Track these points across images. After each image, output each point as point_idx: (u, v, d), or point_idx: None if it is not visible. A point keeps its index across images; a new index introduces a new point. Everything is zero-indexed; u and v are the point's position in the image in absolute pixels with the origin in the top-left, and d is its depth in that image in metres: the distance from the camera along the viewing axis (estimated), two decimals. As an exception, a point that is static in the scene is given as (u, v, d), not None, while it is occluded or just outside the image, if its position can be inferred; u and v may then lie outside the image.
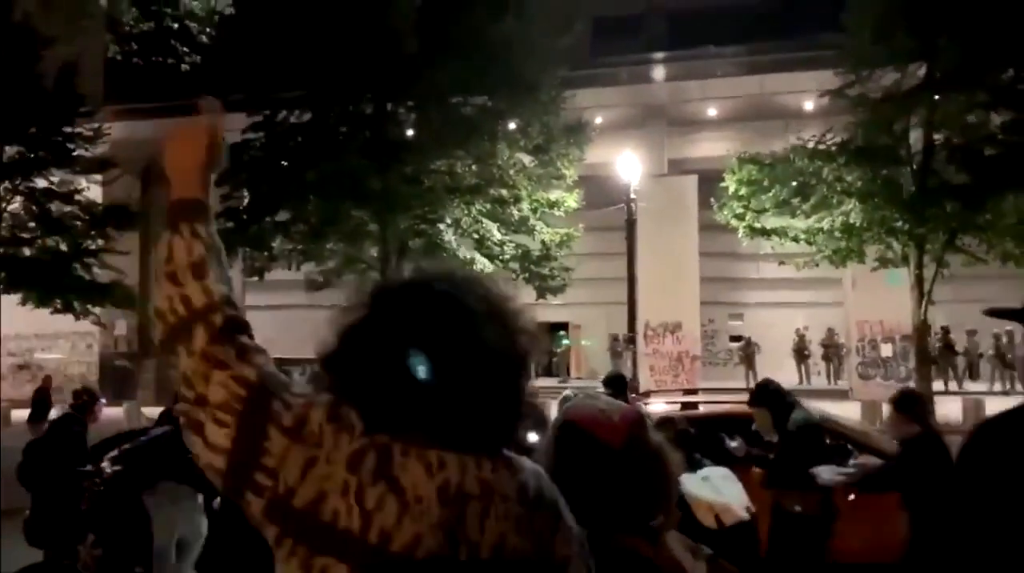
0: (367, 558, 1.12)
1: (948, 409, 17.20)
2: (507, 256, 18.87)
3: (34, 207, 20.04)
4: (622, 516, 1.53)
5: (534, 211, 19.06)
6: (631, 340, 23.30)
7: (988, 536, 1.48)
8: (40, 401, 6.52)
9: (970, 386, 23.08)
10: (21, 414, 19.86)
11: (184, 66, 12.63)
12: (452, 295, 1.21)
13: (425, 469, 1.14)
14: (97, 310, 21.33)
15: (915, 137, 16.89)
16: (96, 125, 20.79)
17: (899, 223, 16.46)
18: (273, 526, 1.16)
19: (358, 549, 1.12)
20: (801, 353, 25.06)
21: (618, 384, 7.08)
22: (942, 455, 4.31)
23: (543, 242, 19.42)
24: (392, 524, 1.12)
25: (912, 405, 4.91)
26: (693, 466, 2.41)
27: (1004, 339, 23.18)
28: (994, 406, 17.92)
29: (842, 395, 21.29)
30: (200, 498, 6.28)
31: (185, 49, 12.36)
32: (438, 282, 1.24)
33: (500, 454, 1.21)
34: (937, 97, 16.04)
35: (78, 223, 20.39)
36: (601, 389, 6.92)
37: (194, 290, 1.29)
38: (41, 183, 20.14)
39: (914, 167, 16.71)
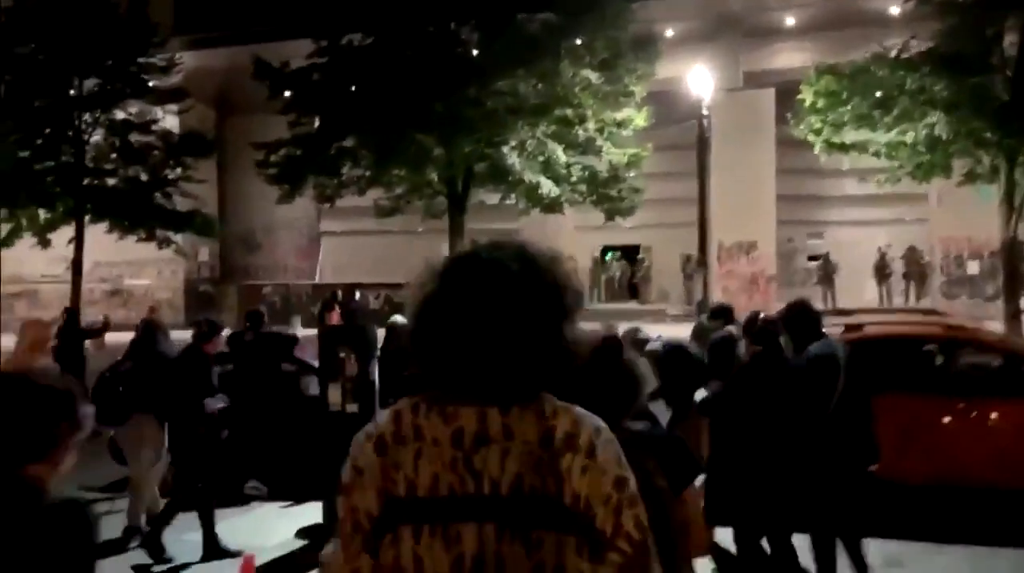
0: (408, 511, 1.34)
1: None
2: (574, 178, 18.56)
3: (114, 138, 20.62)
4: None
5: (600, 131, 18.57)
6: (703, 261, 22.93)
7: None
8: (147, 329, 6.92)
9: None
10: (113, 338, 20.94)
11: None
12: (493, 266, 1.38)
13: (443, 420, 1.36)
14: (179, 238, 22.02)
15: (1008, 42, 15.75)
16: (168, 55, 21.09)
17: (988, 135, 15.53)
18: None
19: (403, 507, 1.34)
20: (882, 272, 24.23)
21: (725, 314, 6.94)
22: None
23: (611, 163, 18.98)
24: (413, 473, 1.35)
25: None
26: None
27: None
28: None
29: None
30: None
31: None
32: (482, 254, 1.41)
33: (533, 403, 1.37)
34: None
35: (156, 153, 20.92)
36: (706, 319, 6.80)
37: None
38: (120, 115, 20.67)
39: (1007, 75, 15.65)
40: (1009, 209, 16.37)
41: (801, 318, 4.65)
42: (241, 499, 7.42)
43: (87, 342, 11.56)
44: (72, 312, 12.36)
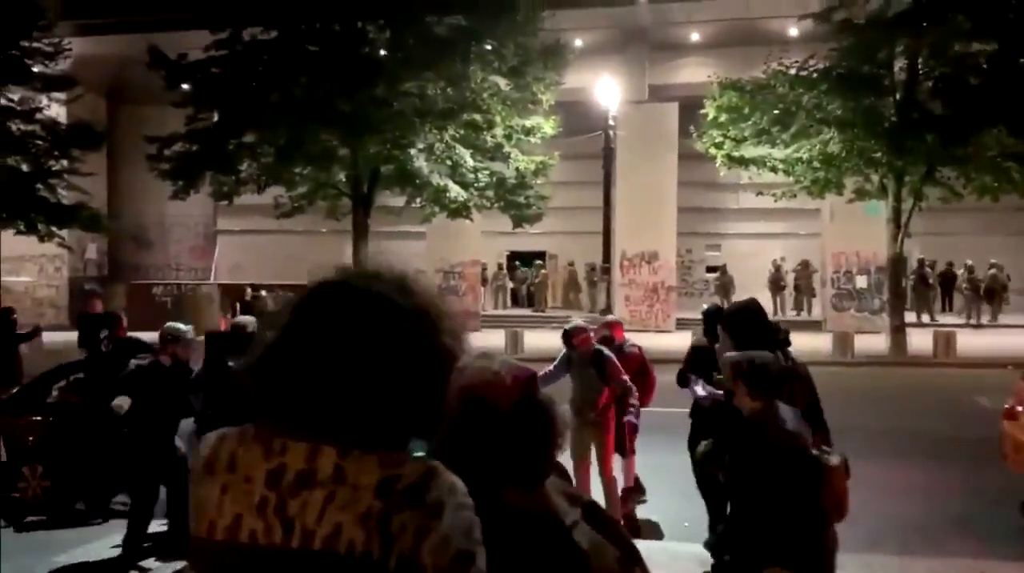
0: (202, 555, 1.15)
1: (920, 341, 17.26)
2: (481, 184, 18.44)
3: (-7, 125, 19.34)
4: (510, 472, 1.53)
5: (508, 137, 18.52)
6: (607, 270, 23.20)
7: None
8: (89, 324, 6.59)
9: (945, 318, 23.21)
10: None
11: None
12: (357, 301, 1.18)
13: (264, 453, 1.14)
14: (64, 233, 20.83)
15: (899, 66, 16.51)
16: (56, 39, 19.95)
17: (878, 154, 16.23)
18: None
19: (199, 550, 1.16)
20: (776, 284, 25.04)
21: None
22: None
23: (518, 170, 18.96)
24: (215, 511, 1.14)
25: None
26: None
27: (980, 272, 23.20)
28: (965, 339, 18.01)
29: (815, 326, 21.36)
30: None
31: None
32: (351, 283, 1.22)
33: (382, 448, 1.13)
34: (924, 24, 15.60)
35: (40, 143, 19.75)
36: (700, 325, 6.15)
37: None
38: (1, 101, 19.42)
39: (896, 97, 16.39)
40: (896, 226, 17.15)
41: (745, 318, 4.43)
42: (105, 514, 6.97)
43: (21, 346, 11.03)
44: (6, 313, 11.46)
